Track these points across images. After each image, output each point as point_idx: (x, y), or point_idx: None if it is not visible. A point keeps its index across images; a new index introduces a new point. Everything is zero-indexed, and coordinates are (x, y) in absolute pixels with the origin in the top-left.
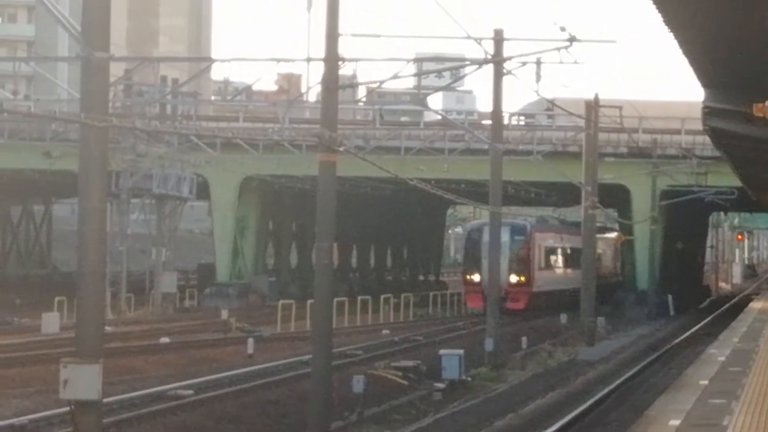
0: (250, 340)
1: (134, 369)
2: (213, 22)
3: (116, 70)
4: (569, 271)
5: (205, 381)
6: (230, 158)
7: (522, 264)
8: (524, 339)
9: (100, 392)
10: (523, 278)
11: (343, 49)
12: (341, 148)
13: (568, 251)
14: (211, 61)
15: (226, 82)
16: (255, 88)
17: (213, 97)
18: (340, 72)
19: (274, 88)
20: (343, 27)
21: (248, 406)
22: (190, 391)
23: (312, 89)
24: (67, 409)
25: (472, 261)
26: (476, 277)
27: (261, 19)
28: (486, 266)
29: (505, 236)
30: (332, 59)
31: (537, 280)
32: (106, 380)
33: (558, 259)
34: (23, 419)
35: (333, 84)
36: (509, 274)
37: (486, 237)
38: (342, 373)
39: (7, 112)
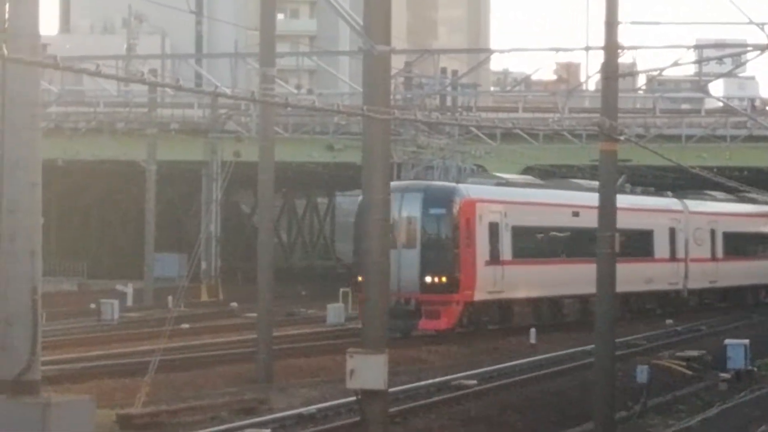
0: (533, 330)
1: (418, 359)
2: (491, 12)
3: (396, 62)
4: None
5: (489, 371)
6: (510, 149)
7: (443, 255)
8: None
9: (385, 382)
10: (444, 279)
11: (623, 37)
12: (622, 137)
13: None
14: (490, 52)
15: (506, 73)
16: (534, 77)
17: (492, 88)
18: (620, 60)
19: (553, 77)
20: (622, 15)
21: (531, 396)
22: (474, 381)
23: (591, 78)
24: (353, 398)
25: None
26: None
27: (539, 7)
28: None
29: (411, 209)
30: (612, 48)
31: (483, 282)
32: (391, 370)
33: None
34: (311, 408)
35: (613, 72)
36: (421, 272)
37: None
38: (625, 363)
39: (291, 107)
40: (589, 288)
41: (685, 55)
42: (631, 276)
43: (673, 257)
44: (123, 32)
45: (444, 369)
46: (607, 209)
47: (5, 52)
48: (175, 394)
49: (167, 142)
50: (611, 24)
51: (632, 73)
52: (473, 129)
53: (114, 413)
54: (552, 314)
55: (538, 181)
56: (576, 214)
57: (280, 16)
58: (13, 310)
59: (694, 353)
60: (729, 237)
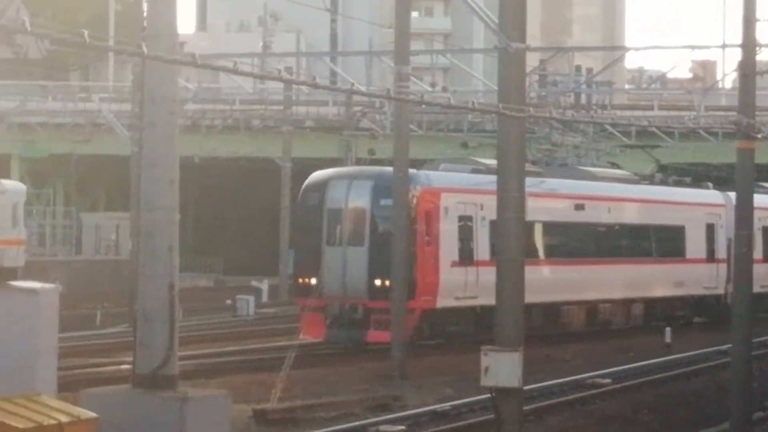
0: (668, 330)
1: (553, 358)
2: (626, 10)
3: (531, 60)
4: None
5: (623, 370)
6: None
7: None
8: None
9: (520, 380)
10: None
11: (761, 33)
12: (759, 135)
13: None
14: (625, 49)
15: (641, 71)
16: (669, 75)
17: (627, 86)
18: (758, 57)
19: (689, 75)
20: (760, 11)
21: (666, 396)
22: (609, 380)
23: (728, 76)
24: (487, 396)
25: (306, 250)
26: (314, 280)
27: (675, 4)
28: (331, 258)
29: (360, 199)
30: (749, 45)
31: (448, 286)
32: (526, 368)
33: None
34: (445, 405)
35: (751, 70)
36: (370, 274)
37: (334, 200)
38: (763, 363)
39: (426, 104)
40: (596, 293)
41: None
42: (653, 278)
43: (711, 257)
44: (259, 30)
45: (578, 367)
46: (745, 207)
47: (144, 50)
48: (309, 390)
49: (302, 140)
50: (749, 20)
51: None
52: (608, 127)
53: (249, 408)
54: (547, 323)
55: (532, 167)
56: (580, 207)
57: (414, 14)
58: (151, 306)
59: None
60: None
